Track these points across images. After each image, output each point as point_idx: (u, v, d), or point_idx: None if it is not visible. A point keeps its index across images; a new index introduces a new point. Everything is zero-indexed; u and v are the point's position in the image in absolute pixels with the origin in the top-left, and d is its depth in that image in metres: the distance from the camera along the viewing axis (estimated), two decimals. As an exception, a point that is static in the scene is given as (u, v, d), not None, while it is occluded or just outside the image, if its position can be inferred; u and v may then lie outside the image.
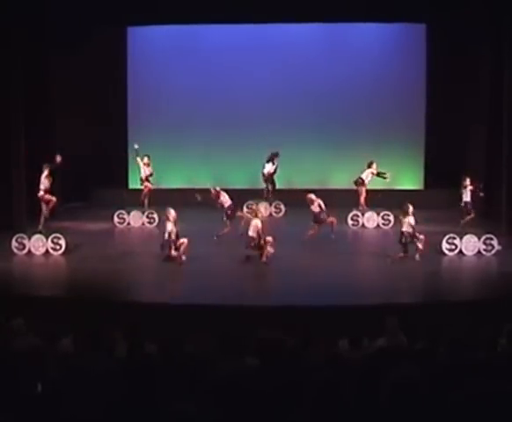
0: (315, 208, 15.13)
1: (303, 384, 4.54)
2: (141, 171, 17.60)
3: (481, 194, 15.29)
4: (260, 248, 13.51)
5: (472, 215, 15.19)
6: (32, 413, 4.55)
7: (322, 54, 20.10)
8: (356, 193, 17.41)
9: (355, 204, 17.41)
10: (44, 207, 15.22)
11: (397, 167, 19.05)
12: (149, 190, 17.66)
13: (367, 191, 17.38)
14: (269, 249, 13.53)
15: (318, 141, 19.92)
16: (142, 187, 17.69)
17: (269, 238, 13.59)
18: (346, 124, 20.01)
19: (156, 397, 4.55)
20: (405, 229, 13.50)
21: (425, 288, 12.44)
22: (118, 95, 20.38)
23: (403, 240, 13.51)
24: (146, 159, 17.57)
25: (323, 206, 15.13)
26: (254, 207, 14.77)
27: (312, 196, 15.23)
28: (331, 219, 15.35)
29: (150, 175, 17.61)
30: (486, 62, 17.47)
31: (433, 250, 14.33)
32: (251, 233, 13.51)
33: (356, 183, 17.37)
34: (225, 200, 15.60)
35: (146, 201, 17.67)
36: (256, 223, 13.52)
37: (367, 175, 17.29)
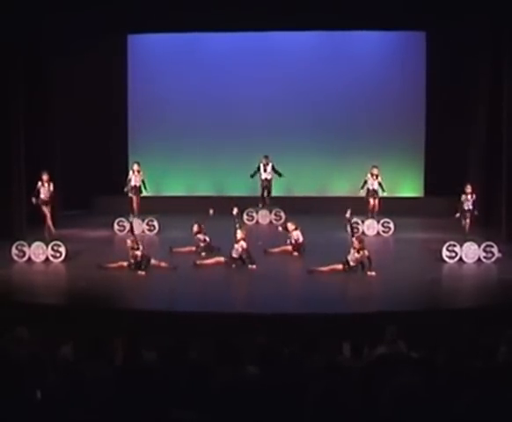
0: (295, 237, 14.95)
1: (303, 392, 4.53)
2: (132, 180, 17.56)
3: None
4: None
5: (468, 225, 15.21)
6: (32, 421, 4.55)
7: (322, 61, 20.12)
8: (366, 202, 17.31)
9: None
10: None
11: (397, 174, 19.04)
12: (133, 200, 17.54)
13: (379, 200, 17.27)
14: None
15: (317, 148, 19.91)
16: (131, 196, 17.58)
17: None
18: (346, 131, 20.02)
19: (155, 405, 4.54)
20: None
21: (425, 296, 12.41)
22: (118, 103, 20.39)
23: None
24: (136, 166, 17.54)
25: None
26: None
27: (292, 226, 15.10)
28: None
29: (140, 185, 17.50)
30: (486, 69, 17.48)
31: (433, 257, 14.35)
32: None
33: (368, 194, 17.26)
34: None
35: (135, 208, 17.56)
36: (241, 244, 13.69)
37: (372, 182, 17.21)
